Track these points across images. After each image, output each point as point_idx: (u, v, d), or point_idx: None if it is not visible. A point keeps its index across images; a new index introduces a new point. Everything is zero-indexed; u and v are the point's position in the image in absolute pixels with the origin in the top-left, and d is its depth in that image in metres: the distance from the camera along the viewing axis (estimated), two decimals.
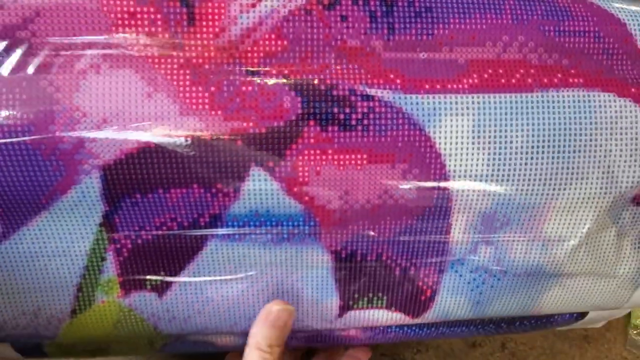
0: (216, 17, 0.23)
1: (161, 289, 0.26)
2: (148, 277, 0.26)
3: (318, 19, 0.24)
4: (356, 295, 0.27)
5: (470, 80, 0.25)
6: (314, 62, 0.24)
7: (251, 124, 0.23)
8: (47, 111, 0.22)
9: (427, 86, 0.24)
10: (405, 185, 0.24)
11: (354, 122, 0.24)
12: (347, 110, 0.24)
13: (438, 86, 0.24)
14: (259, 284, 0.26)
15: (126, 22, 0.22)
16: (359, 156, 0.24)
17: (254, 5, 0.23)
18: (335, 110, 0.24)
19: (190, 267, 0.26)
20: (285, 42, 0.23)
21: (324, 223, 0.25)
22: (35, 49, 0.22)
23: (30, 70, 0.22)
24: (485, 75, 0.25)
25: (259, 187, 0.24)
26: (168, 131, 0.23)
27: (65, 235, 0.24)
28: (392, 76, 0.24)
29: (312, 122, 0.24)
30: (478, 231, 0.26)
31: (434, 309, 0.28)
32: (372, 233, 0.26)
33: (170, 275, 0.26)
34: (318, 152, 0.24)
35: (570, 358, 0.42)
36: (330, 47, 0.24)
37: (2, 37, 0.22)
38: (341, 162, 0.24)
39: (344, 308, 0.27)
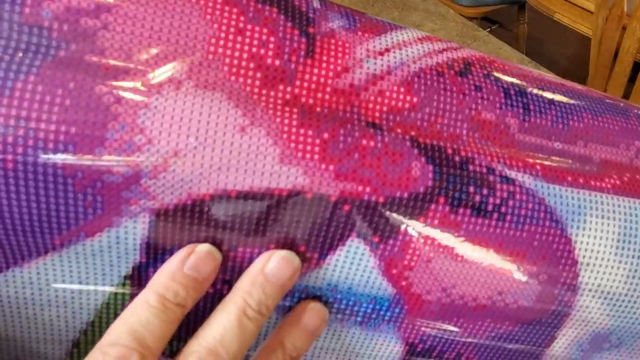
0: (339, 54, 0.18)
1: None
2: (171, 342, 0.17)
3: (451, 82, 0.20)
4: None
5: (612, 181, 0.21)
6: (444, 129, 0.19)
7: (368, 189, 0.18)
8: (97, 127, 0.16)
9: (569, 178, 0.20)
10: (526, 292, 0.19)
11: (490, 207, 0.19)
12: (485, 191, 0.19)
13: (581, 180, 0.20)
14: None
15: (230, 37, 0.17)
16: (484, 250, 0.19)
17: (381, 54, 0.19)
18: (472, 189, 0.19)
19: None
20: (415, 99, 0.19)
21: (411, 312, 0.19)
22: (101, 44, 0.16)
23: (86, 69, 0.16)
24: (625, 179, 0.21)
25: (351, 261, 0.18)
26: (259, 181, 0.17)
27: (73, 284, 0.17)
28: (530, 161, 0.20)
29: (442, 199, 0.18)
30: (582, 349, 0.21)
31: None
32: (461, 331, 0.20)
33: None
34: (439, 237, 0.18)
35: None
36: (463, 116, 0.20)
37: (61, 21, 0.16)
38: (459, 255, 0.18)
39: None
